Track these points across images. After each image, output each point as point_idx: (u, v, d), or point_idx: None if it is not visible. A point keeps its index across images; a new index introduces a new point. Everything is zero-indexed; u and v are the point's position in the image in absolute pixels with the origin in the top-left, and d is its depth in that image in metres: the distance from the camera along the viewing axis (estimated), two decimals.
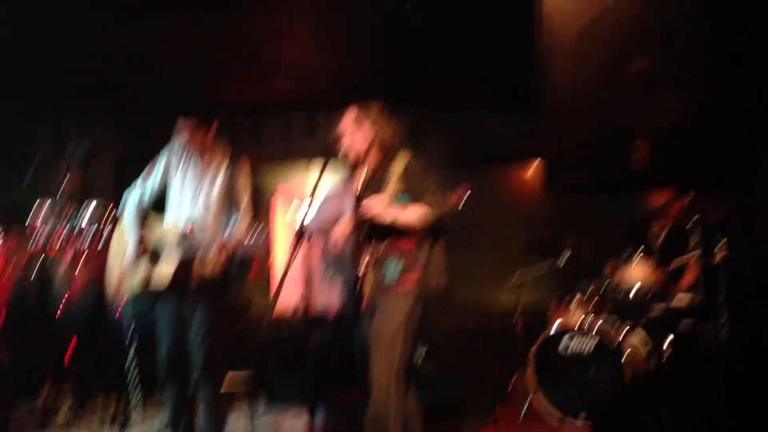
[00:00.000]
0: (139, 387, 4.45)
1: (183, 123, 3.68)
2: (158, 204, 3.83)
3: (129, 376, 3.80)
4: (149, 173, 3.77)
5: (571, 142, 2.41)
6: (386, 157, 3.31)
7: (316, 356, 5.25)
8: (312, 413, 3.23)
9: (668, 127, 2.39)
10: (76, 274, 4.60)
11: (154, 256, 3.66)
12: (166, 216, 3.78)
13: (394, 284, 3.21)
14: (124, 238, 3.77)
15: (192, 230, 3.64)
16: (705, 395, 2.35)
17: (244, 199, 3.77)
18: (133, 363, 3.93)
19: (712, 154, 2.33)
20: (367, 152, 3.32)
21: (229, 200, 3.74)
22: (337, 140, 3.37)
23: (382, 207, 3.13)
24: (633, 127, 2.37)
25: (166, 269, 3.62)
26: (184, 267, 3.61)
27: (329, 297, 4.59)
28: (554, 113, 2.43)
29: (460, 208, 5.23)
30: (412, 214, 3.14)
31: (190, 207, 3.71)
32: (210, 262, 3.62)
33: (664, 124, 2.40)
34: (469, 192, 5.21)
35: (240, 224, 3.68)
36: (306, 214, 3.22)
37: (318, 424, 3.51)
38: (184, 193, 3.73)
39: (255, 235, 3.54)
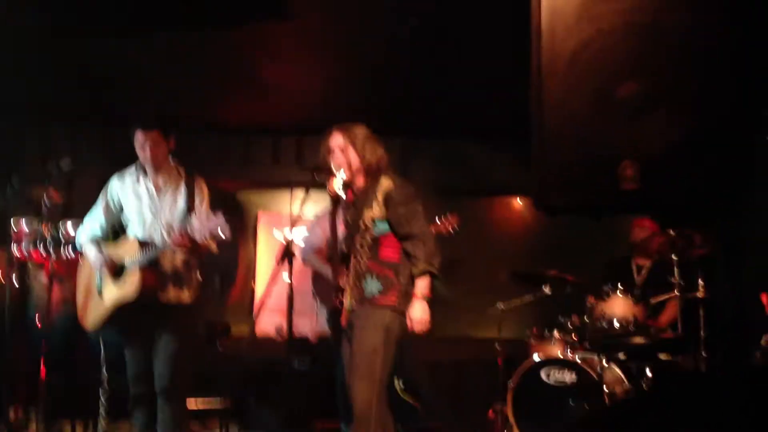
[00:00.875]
0: (104, 413, 4.36)
1: (144, 135, 3.58)
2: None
3: (99, 401, 3.73)
4: (96, 207, 3.79)
5: (561, 162, 2.44)
6: (371, 181, 3.31)
7: (295, 382, 5.19)
8: None
9: (658, 151, 2.42)
10: (54, 290, 4.53)
11: (119, 272, 3.58)
12: (129, 235, 3.74)
13: (373, 298, 3.19)
14: (89, 268, 3.74)
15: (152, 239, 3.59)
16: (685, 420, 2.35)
17: (203, 206, 3.69)
18: (103, 388, 3.86)
19: (702, 177, 2.37)
20: (352, 175, 3.31)
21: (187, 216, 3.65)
22: (323, 161, 3.36)
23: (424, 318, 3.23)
24: (623, 150, 2.40)
25: (131, 279, 3.51)
26: (150, 273, 3.51)
27: (312, 321, 4.58)
28: (546, 133, 2.46)
29: (449, 235, 5.26)
30: (424, 284, 3.21)
31: (152, 224, 3.65)
32: (177, 258, 3.57)
33: (654, 148, 2.43)
34: (457, 223, 5.24)
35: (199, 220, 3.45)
36: (291, 236, 3.20)
37: None
38: (142, 212, 3.66)
39: (213, 220, 3.29)
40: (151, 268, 3.51)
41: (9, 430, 4.44)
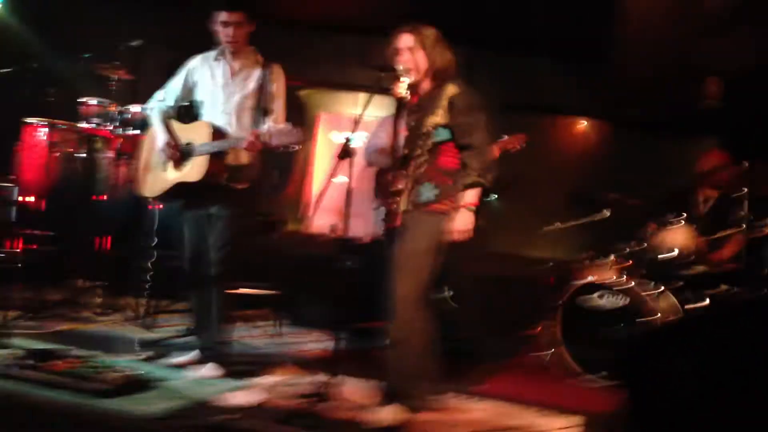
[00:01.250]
0: (150, 291, 4.52)
1: (230, 15, 3.55)
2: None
3: (148, 278, 3.84)
4: (171, 82, 3.75)
5: (641, 76, 2.32)
6: (438, 86, 3.23)
7: (345, 280, 5.28)
8: (336, 337, 3.25)
9: (743, 68, 2.29)
10: (120, 166, 4.64)
11: (185, 156, 3.61)
12: (200, 118, 3.72)
13: (428, 204, 3.18)
14: (153, 142, 3.74)
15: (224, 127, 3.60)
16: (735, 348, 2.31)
17: (279, 105, 3.67)
18: (150, 265, 3.96)
19: None
20: (419, 77, 3.23)
21: (260, 106, 3.64)
22: (390, 62, 3.28)
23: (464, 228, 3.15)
24: (706, 66, 2.28)
25: (196, 165, 3.55)
26: (215, 162, 3.52)
27: (366, 222, 4.61)
28: (626, 46, 2.32)
29: (515, 153, 5.17)
30: (473, 195, 3.13)
31: (223, 107, 3.64)
32: (242, 155, 3.56)
33: (738, 65, 2.30)
34: (525, 141, 5.14)
35: (273, 123, 3.54)
36: (350, 137, 3.17)
37: (341, 347, 3.54)
38: (215, 94, 3.65)
39: (291, 134, 3.32)
40: (217, 158, 3.54)
41: (75, 298, 4.64)
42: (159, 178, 3.69)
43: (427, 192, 3.18)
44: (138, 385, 3.07)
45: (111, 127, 4.79)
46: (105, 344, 3.84)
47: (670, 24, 2.48)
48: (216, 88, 3.66)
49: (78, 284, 4.83)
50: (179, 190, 3.61)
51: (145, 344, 3.90)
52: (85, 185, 4.83)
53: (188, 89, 3.74)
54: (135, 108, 4.85)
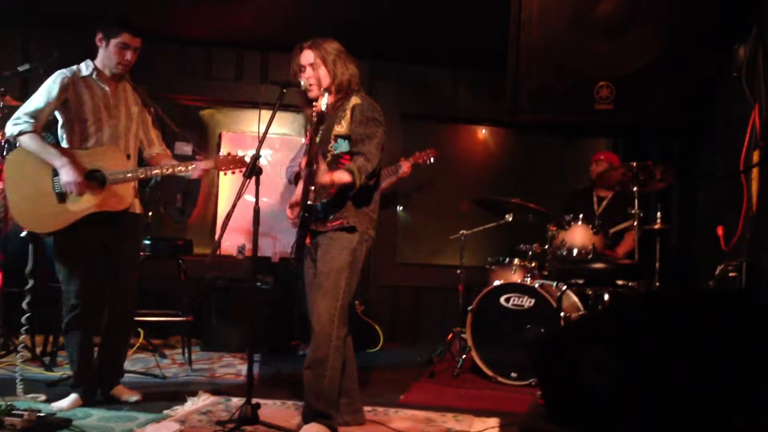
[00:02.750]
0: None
1: (132, 40, 3.48)
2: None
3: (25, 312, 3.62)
4: (39, 99, 3.43)
5: (537, 81, 2.43)
6: (342, 98, 3.24)
7: (256, 301, 5.21)
8: (249, 359, 3.19)
9: (632, 71, 2.44)
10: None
11: (100, 184, 3.43)
12: (67, 137, 3.48)
13: (327, 219, 3.18)
14: (28, 168, 3.41)
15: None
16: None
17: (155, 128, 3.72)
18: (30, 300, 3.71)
19: (672, 99, 2.40)
20: (324, 91, 3.23)
21: (142, 131, 3.67)
22: (295, 76, 3.27)
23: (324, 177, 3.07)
24: (599, 70, 2.42)
25: (114, 192, 3.43)
26: (127, 188, 3.49)
27: (274, 241, 4.57)
28: (522, 51, 2.43)
29: (426, 166, 5.29)
30: (345, 175, 3.09)
31: (109, 130, 3.50)
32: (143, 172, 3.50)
33: (628, 69, 2.45)
34: (435, 155, 5.26)
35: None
36: (256, 156, 3.14)
37: (255, 369, 3.49)
38: (97, 114, 3.48)
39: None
40: (128, 183, 3.48)
41: None
42: (58, 210, 3.39)
43: (327, 206, 3.19)
44: (41, 428, 2.91)
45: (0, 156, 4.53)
46: (2, 387, 3.63)
47: (563, 30, 2.60)
48: (98, 111, 3.49)
49: None
50: (86, 223, 3.40)
51: (48, 384, 3.70)
52: None
53: (65, 107, 3.47)
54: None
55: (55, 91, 3.42)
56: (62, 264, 3.46)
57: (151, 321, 4.76)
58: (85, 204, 3.40)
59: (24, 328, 3.63)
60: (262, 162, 3.35)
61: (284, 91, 3.23)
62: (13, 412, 2.91)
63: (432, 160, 5.34)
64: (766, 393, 2.30)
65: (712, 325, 2.44)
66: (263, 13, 5.37)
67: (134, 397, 3.59)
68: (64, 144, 3.49)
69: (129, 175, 3.47)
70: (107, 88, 3.53)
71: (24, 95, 5.35)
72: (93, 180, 3.41)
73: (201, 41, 6.07)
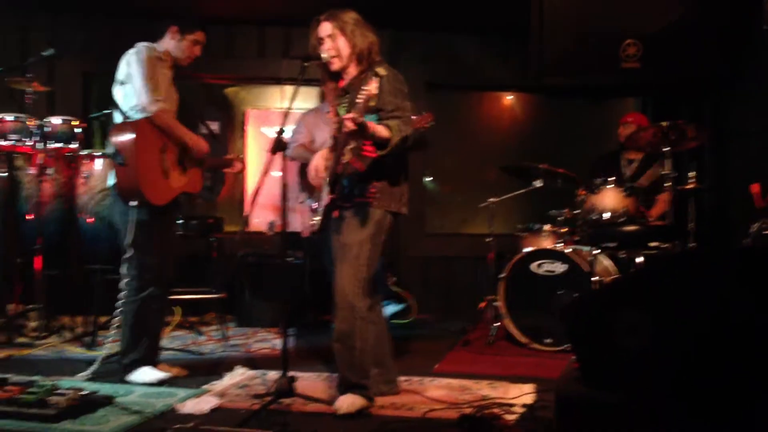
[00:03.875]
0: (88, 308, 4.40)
1: (203, 37, 3.69)
2: None
3: (102, 292, 3.70)
4: (149, 69, 3.48)
5: (561, 42, 2.37)
6: (365, 69, 3.22)
7: (288, 277, 5.26)
8: (283, 334, 3.22)
9: (659, 30, 2.37)
10: (43, 182, 4.46)
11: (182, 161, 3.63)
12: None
13: (353, 193, 3.17)
14: (142, 139, 3.45)
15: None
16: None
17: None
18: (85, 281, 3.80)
19: (701, 58, 2.33)
20: (344, 63, 3.21)
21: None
22: (315, 49, 3.25)
23: (357, 116, 3.00)
24: (624, 29, 2.35)
25: (196, 178, 3.74)
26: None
27: (303, 216, 4.58)
28: (545, 12, 2.37)
29: (424, 130, 5.22)
30: (384, 129, 3.05)
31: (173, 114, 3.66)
32: None
33: (654, 27, 2.38)
34: (432, 120, 5.20)
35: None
36: (280, 131, 3.13)
37: (289, 345, 3.53)
38: (169, 98, 3.62)
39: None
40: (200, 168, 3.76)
41: (9, 324, 4.47)
42: (164, 184, 3.56)
43: (353, 182, 3.18)
44: (84, 406, 2.99)
45: (31, 143, 4.60)
46: (45, 368, 3.73)
47: None
48: (170, 90, 3.66)
49: (10, 309, 4.66)
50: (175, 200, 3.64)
51: (89, 363, 3.79)
52: (8, 205, 4.63)
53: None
54: (55, 120, 4.67)
55: (153, 59, 3.53)
56: (146, 240, 3.51)
57: (185, 299, 4.84)
58: (179, 182, 3.64)
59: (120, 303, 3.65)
60: (288, 137, 3.37)
61: (305, 65, 3.22)
62: (56, 391, 2.99)
63: (429, 124, 5.18)
64: None
65: (748, 284, 2.40)
66: None
67: (179, 374, 3.66)
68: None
69: (201, 162, 3.73)
70: (170, 72, 3.67)
71: (51, 81, 5.46)
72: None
73: (222, 19, 6.05)
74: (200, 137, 3.67)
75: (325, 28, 3.21)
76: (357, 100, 2.89)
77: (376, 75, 2.99)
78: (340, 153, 3.11)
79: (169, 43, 3.66)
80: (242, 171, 3.94)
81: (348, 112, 3.11)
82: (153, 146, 3.50)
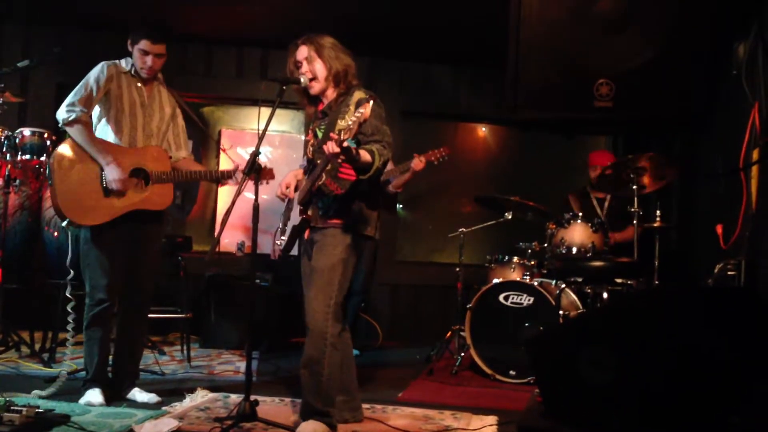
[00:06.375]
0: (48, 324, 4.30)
1: (152, 46, 3.50)
2: None
3: (64, 308, 3.60)
4: (92, 83, 3.44)
5: (536, 77, 2.43)
6: (342, 91, 3.24)
7: (255, 299, 5.21)
8: (248, 357, 3.18)
9: (631, 69, 2.43)
10: (10, 194, 4.37)
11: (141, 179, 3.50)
12: (100, 130, 3.51)
13: (327, 216, 3.17)
14: (77, 155, 3.41)
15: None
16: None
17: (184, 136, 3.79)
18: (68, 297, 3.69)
19: (675, 94, 2.40)
20: (322, 84, 3.23)
21: (172, 133, 3.71)
22: (291, 76, 3.27)
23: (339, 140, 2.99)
24: (598, 67, 2.41)
25: (159, 190, 3.51)
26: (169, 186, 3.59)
27: (273, 238, 4.56)
28: (522, 48, 2.43)
29: (437, 164, 5.23)
30: (366, 153, 3.06)
31: (142, 128, 3.55)
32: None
33: (627, 66, 2.44)
34: (448, 154, 5.20)
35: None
36: (255, 152, 3.13)
37: (254, 366, 3.48)
38: (134, 112, 3.54)
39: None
40: (169, 184, 3.58)
41: None
42: (101, 203, 3.42)
43: (328, 204, 3.18)
44: (40, 424, 2.91)
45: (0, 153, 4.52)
46: (1, 383, 3.63)
47: (563, 26, 2.59)
48: (134, 106, 3.55)
49: None
50: (123, 219, 3.45)
51: (46, 380, 3.70)
52: None
53: (103, 101, 3.50)
54: (25, 131, 4.61)
55: (102, 80, 3.46)
56: (93, 258, 3.45)
57: (150, 318, 4.75)
58: (129, 200, 3.47)
59: (71, 316, 3.61)
60: (262, 159, 3.34)
61: (284, 88, 3.23)
62: (11, 408, 2.91)
63: (444, 157, 5.24)
64: (766, 389, 2.30)
65: (711, 322, 2.44)
66: (263, 10, 5.37)
67: (153, 399, 3.54)
68: (96, 133, 3.50)
69: (172, 176, 3.55)
70: (142, 87, 3.59)
71: (24, 92, 5.40)
72: (137, 178, 3.49)
73: (202, 38, 6.07)
74: (118, 168, 3.39)
75: (302, 51, 3.24)
76: (350, 122, 2.88)
77: (367, 100, 2.99)
78: (317, 175, 3.11)
79: (133, 56, 3.58)
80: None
81: (326, 134, 3.12)
82: (85, 163, 3.41)
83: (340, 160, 2.96)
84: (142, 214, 3.51)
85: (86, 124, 3.43)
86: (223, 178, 3.66)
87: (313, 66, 3.21)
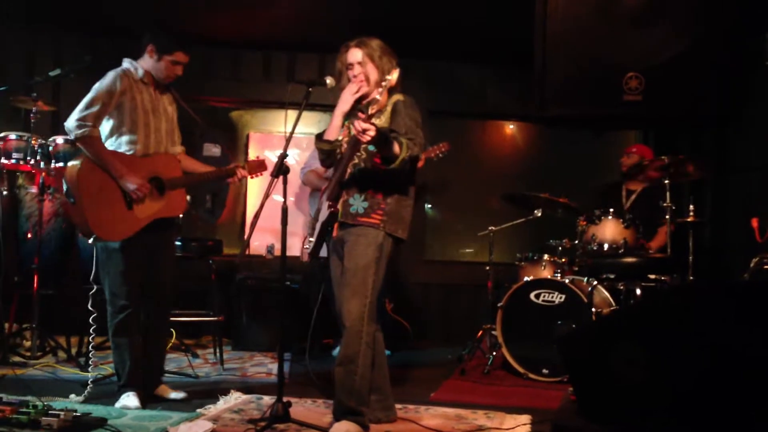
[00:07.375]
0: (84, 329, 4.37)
1: (184, 58, 3.56)
2: None
3: (93, 315, 3.65)
4: (104, 97, 3.41)
5: (564, 73, 2.39)
6: (387, 95, 3.26)
7: (290, 299, 5.25)
8: (280, 358, 3.20)
9: (661, 63, 2.39)
10: (45, 202, 4.46)
11: (161, 188, 3.54)
12: (115, 140, 3.49)
13: (357, 216, 3.17)
14: (97, 171, 3.37)
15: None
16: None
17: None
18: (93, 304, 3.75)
19: (702, 91, 2.34)
20: (372, 87, 3.23)
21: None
22: (340, 75, 3.29)
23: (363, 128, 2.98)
24: (627, 62, 2.37)
25: (177, 197, 3.58)
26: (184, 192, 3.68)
27: (302, 240, 4.58)
28: (549, 44, 2.40)
29: (437, 160, 5.25)
30: (395, 143, 3.06)
31: (154, 134, 3.56)
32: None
33: (657, 60, 2.40)
34: (447, 149, 5.23)
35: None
36: (283, 155, 3.15)
37: (286, 368, 3.51)
38: (147, 120, 3.54)
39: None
40: (183, 188, 3.66)
41: (4, 343, 4.44)
42: (127, 218, 3.42)
43: (357, 204, 3.18)
44: (77, 428, 2.96)
45: (33, 162, 4.62)
46: (39, 388, 3.69)
47: (590, 21, 2.56)
48: (147, 115, 3.55)
49: (5, 328, 4.63)
50: (147, 229, 3.48)
51: (83, 384, 3.76)
52: (8, 223, 4.63)
53: (113, 111, 3.47)
54: (58, 139, 4.69)
55: (115, 94, 3.44)
56: (115, 267, 3.49)
57: (182, 321, 4.82)
58: (150, 210, 3.50)
59: (92, 327, 3.65)
60: (289, 161, 3.36)
61: (310, 90, 3.26)
62: (49, 412, 2.97)
63: (443, 153, 5.25)
64: None
65: (745, 318, 2.39)
66: (289, 13, 5.40)
67: (180, 395, 3.64)
68: (108, 146, 3.49)
69: (186, 180, 3.64)
70: (152, 92, 3.61)
71: (56, 100, 5.49)
72: (153, 187, 3.51)
73: (228, 43, 6.12)
74: (134, 176, 3.39)
75: (355, 54, 3.26)
76: (377, 94, 2.93)
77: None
78: (346, 161, 3.12)
79: (147, 62, 3.57)
80: (245, 177, 3.78)
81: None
82: (105, 178, 3.38)
83: (367, 139, 2.93)
84: (159, 220, 3.53)
85: (97, 138, 3.42)
86: (228, 175, 3.74)
87: (365, 69, 3.24)
